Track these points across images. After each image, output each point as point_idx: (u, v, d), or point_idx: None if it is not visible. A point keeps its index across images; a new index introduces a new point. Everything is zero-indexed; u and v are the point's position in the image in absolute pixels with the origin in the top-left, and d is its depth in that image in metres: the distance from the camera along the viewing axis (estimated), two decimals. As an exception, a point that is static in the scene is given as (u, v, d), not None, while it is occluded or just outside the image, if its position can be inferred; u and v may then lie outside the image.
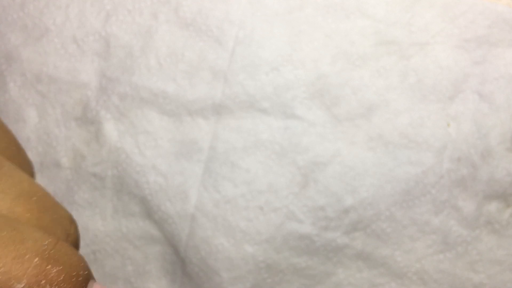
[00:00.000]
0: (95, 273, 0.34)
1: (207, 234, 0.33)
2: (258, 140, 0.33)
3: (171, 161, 0.33)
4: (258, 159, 0.33)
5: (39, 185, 0.20)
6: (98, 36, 0.34)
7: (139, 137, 0.33)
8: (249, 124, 0.33)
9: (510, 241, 0.32)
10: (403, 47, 0.33)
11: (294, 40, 0.33)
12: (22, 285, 0.16)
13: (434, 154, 0.32)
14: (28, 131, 0.34)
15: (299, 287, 0.32)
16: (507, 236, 0.32)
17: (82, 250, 0.34)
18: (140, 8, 0.34)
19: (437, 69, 0.32)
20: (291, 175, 0.32)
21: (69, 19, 0.35)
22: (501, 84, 0.32)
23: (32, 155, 0.34)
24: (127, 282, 0.33)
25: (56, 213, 0.20)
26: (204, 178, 0.33)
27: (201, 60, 0.33)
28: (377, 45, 0.33)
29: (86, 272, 0.18)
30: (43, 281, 0.16)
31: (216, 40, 0.33)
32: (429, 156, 0.32)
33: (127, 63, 0.34)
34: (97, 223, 0.34)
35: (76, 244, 0.20)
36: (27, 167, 0.22)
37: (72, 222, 0.20)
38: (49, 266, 0.17)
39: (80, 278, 0.18)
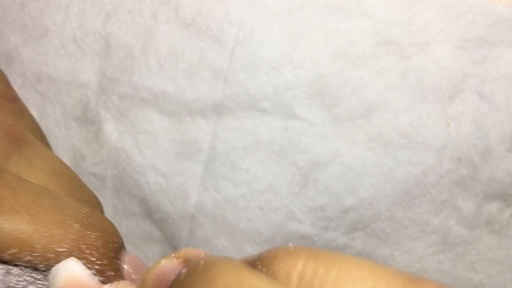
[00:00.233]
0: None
1: (207, 234, 0.33)
2: (258, 140, 0.33)
3: (171, 161, 0.33)
4: (258, 159, 0.33)
5: (68, 166, 0.20)
6: (98, 36, 0.34)
7: (139, 137, 0.33)
8: (249, 124, 0.33)
9: (510, 241, 0.32)
10: (403, 47, 0.33)
11: (294, 40, 0.33)
12: (64, 249, 0.17)
13: (434, 154, 0.32)
14: (28, 131, 0.34)
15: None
16: (507, 236, 0.32)
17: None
18: (140, 8, 0.34)
19: (437, 69, 0.32)
20: (291, 175, 0.32)
21: (69, 19, 0.35)
22: (501, 84, 0.32)
23: (32, 155, 0.34)
24: (127, 282, 0.33)
25: (85, 193, 0.20)
26: (204, 178, 0.33)
27: (201, 60, 0.33)
28: (377, 45, 0.33)
29: (121, 241, 0.19)
30: (83, 246, 0.17)
31: (216, 40, 0.33)
32: (429, 156, 0.32)
33: (127, 63, 0.34)
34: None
35: None
36: (48, 147, 0.23)
37: (98, 203, 0.21)
38: (89, 232, 0.17)
39: (116, 245, 0.18)
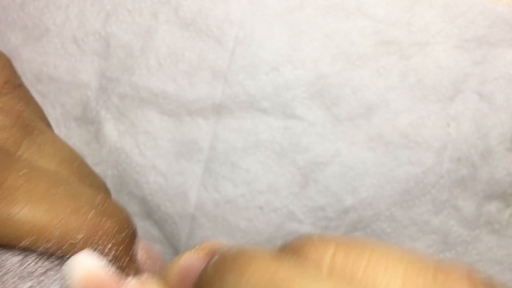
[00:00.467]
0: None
1: (207, 234, 0.33)
2: (258, 140, 0.33)
3: (171, 161, 0.33)
4: (258, 159, 0.33)
5: (78, 153, 0.20)
6: (98, 36, 0.34)
7: (139, 137, 0.33)
8: (249, 124, 0.33)
9: (510, 241, 0.32)
10: (403, 47, 0.33)
11: (294, 40, 0.33)
12: (80, 237, 0.17)
13: (434, 154, 0.32)
14: (28, 131, 0.34)
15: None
16: (507, 236, 0.32)
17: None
18: (140, 8, 0.34)
19: (437, 69, 0.32)
20: (291, 175, 0.32)
21: (69, 19, 0.35)
22: (501, 84, 0.32)
23: (32, 155, 0.34)
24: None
25: (94, 179, 0.20)
26: (204, 178, 0.33)
27: (201, 60, 0.33)
28: (377, 45, 0.33)
29: (135, 227, 0.19)
30: (100, 232, 0.17)
31: (216, 40, 0.33)
32: (429, 156, 0.32)
33: (127, 63, 0.34)
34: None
35: None
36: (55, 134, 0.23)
37: (108, 190, 0.21)
38: (104, 219, 0.17)
39: (131, 232, 0.18)
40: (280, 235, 0.32)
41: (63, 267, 0.16)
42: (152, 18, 0.34)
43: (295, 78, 0.33)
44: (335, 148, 0.32)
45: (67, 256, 0.16)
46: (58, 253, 0.16)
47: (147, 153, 0.33)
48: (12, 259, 0.16)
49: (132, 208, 0.33)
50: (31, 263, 0.16)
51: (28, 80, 0.34)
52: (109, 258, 0.17)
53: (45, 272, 0.16)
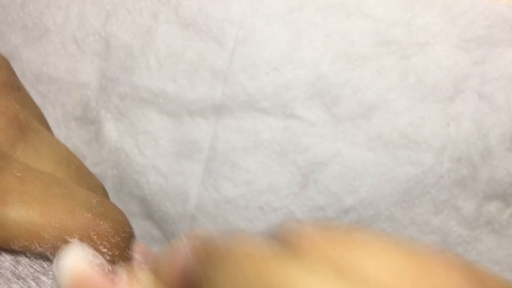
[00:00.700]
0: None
1: (207, 234, 0.33)
2: (258, 140, 0.33)
3: (171, 161, 0.33)
4: (258, 159, 0.33)
5: (74, 154, 0.20)
6: (98, 36, 0.34)
7: (139, 137, 0.33)
8: (249, 124, 0.33)
9: (509, 241, 0.32)
10: (403, 47, 0.33)
11: (294, 40, 0.33)
12: (75, 238, 0.16)
13: (434, 154, 0.32)
14: (28, 131, 0.34)
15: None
16: (507, 236, 0.32)
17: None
18: (140, 8, 0.34)
19: (437, 69, 0.32)
20: (291, 175, 0.32)
21: (69, 19, 0.35)
22: (501, 84, 0.32)
23: (32, 155, 0.34)
24: (127, 282, 0.33)
25: (92, 181, 0.20)
26: (204, 178, 0.33)
27: (201, 60, 0.33)
28: (377, 45, 0.33)
29: (131, 230, 0.19)
30: (95, 236, 0.17)
31: (216, 40, 0.33)
32: (429, 156, 0.32)
33: (127, 63, 0.34)
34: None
35: None
36: (53, 135, 0.23)
37: (105, 192, 0.21)
38: (100, 221, 0.17)
39: (127, 235, 0.18)
40: (280, 235, 0.32)
41: (54, 265, 0.16)
42: (152, 18, 0.34)
43: (295, 78, 0.33)
44: (335, 148, 0.32)
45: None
46: (51, 257, 0.16)
47: (147, 153, 0.33)
48: (5, 260, 0.16)
49: (132, 208, 0.33)
50: (23, 266, 0.16)
51: (28, 80, 0.34)
52: (103, 260, 0.17)
53: (39, 273, 0.16)
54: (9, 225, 0.16)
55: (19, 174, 0.17)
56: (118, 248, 0.18)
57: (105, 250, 0.17)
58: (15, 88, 0.21)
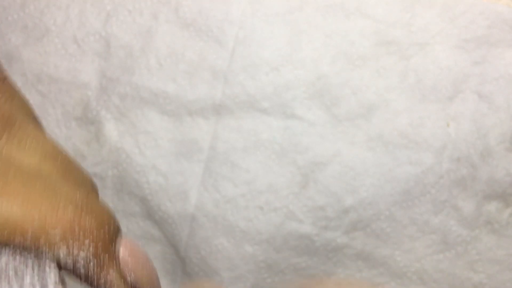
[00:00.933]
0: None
1: (207, 234, 0.33)
2: (258, 140, 0.33)
3: (171, 161, 0.33)
4: (258, 159, 0.33)
5: (61, 147, 0.20)
6: (98, 36, 0.34)
7: (139, 137, 0.33)
8: (249, 124, 0.33)
9: (509, 241, 0.32)
10: (403, 47, 0.33)
11: (294, 40, 0.33)
12: (57, 232, 0.16)
13: (434, 154, 0.32)
14: (29, 131, 0.34)
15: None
16: (506, 236, 0.32)
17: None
18: (140, 9, 0.34)
19: (436, 69, 0.32)
20: (291, 175, 0.32)
21: (69, 19, 0.35)
22: (501, 84, 0.32)
23: (32, 155, 0.34)
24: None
25: (79, 175, 0.20)
26: (204, 178, 0.33)
27: (201, 60, 0.33)
28: (377, 45, 0.33)
29: (117, 225, 0.18)
30: (77, 229, 0.17)
31: (216, 40, 0.33)
32: (428, 156, 0.32)
33: (127, 63, 0.34)
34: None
35: None
36: (42, 128, 0.22)
37: (94, 185, 0.21)
38: (83, 215, 0.17)
39: (111, 228, 0.18)
40: (280, 235, 0.32)
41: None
42: (152, 18, 0.34)
43: (295, 78, 0.33)
44: (335, 148, 0.32)
45: (43, 251, 0.16)
46: (33, 249, 0.16)
47: (147, 153, 0.33)
48: None
49: (132, 208, 0.34)
50: (4, 257, 0.16)
51: (28, 80, 0.34)
52: (87, 254, 0.17)
53: (21, 264, 0.16)
54: None
55: (1, 167, 0.17)
56: (101, 241, 0.17)
57: (87, 243, 0.17)
58: (1, 79, 0.20)
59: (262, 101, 0.33)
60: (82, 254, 0.17)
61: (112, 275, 0.18)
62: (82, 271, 0.17)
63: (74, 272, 0.17)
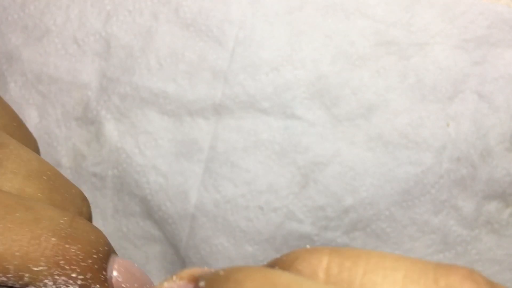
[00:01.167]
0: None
1: (207, 234, 0.33)
2: (258, 140, 0.33)
3: (171, 161, 0.33)
4: (258, 159, 0.33)
5: (47, 163, 0.19)
6: (98, 37, 0.34)
7: (139, 137, 0.33)
8: (249, 124, 0.33)
9: (509, 241, 0.32)
10: (402, 47, 0.33)
11: (294, 40, 0.33)
12: (41, 268, 0.15)
13: (434, 154, 0.32)
14: (29, 131, 0.34)
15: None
16: (506, 236, 0.32)
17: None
18: (140, 9, 0.34)
19: (436, 69, 0.32)
20: (291, 175, 0.33)
21: (69, 19, 0.35)
22: (501, 84, 0.32)
23: (32, 155, 0.34)
24: (127, 282, 0.33)
25: (67, 191, 0.19)
26: (204, 178, 0.33)
27: (201, 60, 0.33)
28: (377, 45, 0.33)
29: (106, 248, 0.17)
30: (62, 262, 0.16)
31: (216, 40, 0.33)
32: (428, 156, 0.32)
33: (127, 63, 0.34)
34: (97, 223, 0.34)
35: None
36: (30, 144, 0.21)
37: (84, 199, 0.20)
38: (67, 245, 0.16)
39: (101, 255, 0.17)
40: (280, 235, 0.32)
41: None
42: (153, 18, 0.34)
43: (295, 78, 0.33)
44: (335, 148, 0.32)
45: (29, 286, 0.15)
46: (17, 286, 0.15)
47: (147, 153, 0.33)
48: None
49: (132, 208, 0.34)
50: None
51: (28, 80, 0.35)
52: (76, 287, 0.16)
53: None
54: None
55: None
56: (90, 271, 0.16)
57: (74, 275, 0.16)
58: None
59: (262, 101, 0.33)
60: (70, 287, 0.16)
61: None
62: None
63: None
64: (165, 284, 0.15)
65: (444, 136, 0.32)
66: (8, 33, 0.35)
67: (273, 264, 0.14)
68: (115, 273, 0.17)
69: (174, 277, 0.15)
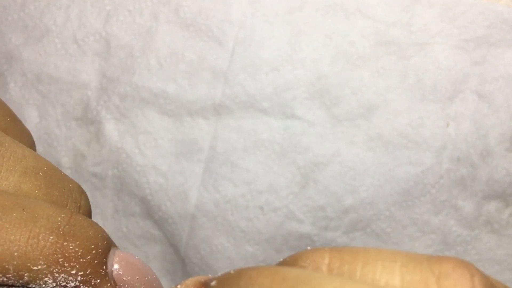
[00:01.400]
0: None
1: (207, 234, 0.33)
2: (258, 140, 0.33)
3: (171, 161, 0.33)
4: (258, 159, 0.33)
5: (43, 158, 0.19)
6: (98, 37, 0.34)
7: (139, 137, 0.33)
8: (249, 124, 0.33)
9: (509, 241, 0.32)
10: (402, 47, 0.33)
11: (294, 40, 0.33)
12: (40, 267, 0.15)
13: (434, 154, 0.32)
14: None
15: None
16: (506, 236, 0.32)
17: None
18: (140, 9, 0.34)
19: (436, 69, 0.32)
20: (291, 175, 0.33)
21: (69, 19, 0.35)
22: (501, 84, 0.32)
23: (32, 155, 0.34)
24: (127, 282, 0.33)
25: (65, 185, 0.19)
26: (204, 178, 0.33)
27: (201, 60, 0.33)
28: (377, 45, 0.33)
29: (105, 243, 0.17)
30: (61, 259, 0.16)
31: (216, 40, 0.33)
32: (428, 156, 0.32)
33: (127, 63, 0.34)
34: (97, 223, 0.34)
35: (88, 215, 0.20)
36: (26, 139, 0.21)
37: (82, 193, 0.19)
38: (66, 243, 0.16)
39: (100, 250, 0.17)
40: (280, 235, 0.32)
41: None
42: (153, 18, 0.34)
43: (295, 78, 0.33)
44: (335, 148, 0.32)
45: (28, 287, 0.15)
46: (18, 285, 0.15)
47: (147, 153, 0.33)
48: None
49: (133, 208, 0.34)
50: None
51: (28, 80, 0.35)
52: (76, 283, 0.16)
53: None
54: None
55: None
56: (90, 266, 0.16)
57: (74, 272, 0.16)
58: None
59: (262, 101, 0.33)
60: (71, 284, 0.16)
61: None
62: None
63: None
64: None
65: (444, 136, 0.32)
66: (8, 33, 0.35)
67: (279, 265, 0.15)
68: (116, 266, 0.17)
69: (179, 286, 0.15)
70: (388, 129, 0.32)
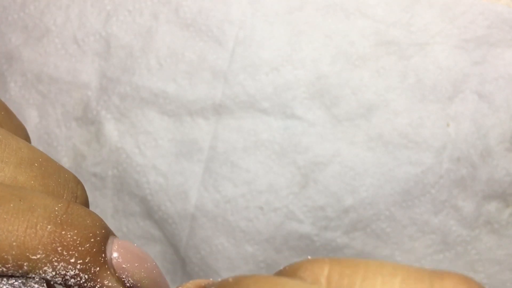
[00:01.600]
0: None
1: (207, 234, 0.33)
2: (258, 140, 0.33)
3: (171, 161, 0.33)
4: (258, 159, 0.33)
5: (38, 149, 0.19)
6: (98, 37, 0.34)
7: (139, 137, 0.33)
8: (249, 124, 0.33)
9: (509, 241, 0.32)
10: (402, 47, 0.33)
11: (294, 40, 0.33)
12: (39, 256, 0.15)
13: (434, 154, 0.32)
14: (29, 131, 0.34)
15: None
16: (506, 236, 0.32)
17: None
18: (140, 9, 0.34)
19: (436, 69, 0.32)
20: (291, 175, 0.33)
21: (69, 19, 0.35)
22: (501, 84, 0.32)
23: (32, 155, 0.34)
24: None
25: (61, 176, 0.19)
26: (204, 178, 0.33)
27: (201, 60, 0.33)
28: (377, 45, 0.33)
29: (104, 231, 0.17)
30: (60, 248, 0.16)
31: (216, 40, 0.33)
32: (428, 156, 0.32)
33: (127, 63, 0.34)
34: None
35: (85, 205, 0.20)
36: (20, 132, 0.21)
37: (78, 183, 0.19)
38: (64, 232, 0.16)
39: (98, 238, 0.17)
40: (280, 235, 0.32)
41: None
42: (153, 18, 0.34)
43: (295, 78, 0.33)
44: (335, 148, 0.32)
45: (28, 276, 0.15)
46: (18, 274, 0.15)
47: (147, 153, 0.33)
48: None
49: (133, 208, 0.34)
50: None
51: (28, 80, 0.35)
52: (76, 272, 0.16)
53: None
54: None
55: None
56: (89, 254, 0.16)
57: (73, 260, 0.16)
58: None
59: (262, 101, 0.33)
60: (70, 272, 0.16)
61: (107, 285, 0.17)
62: (75, 287, 0.16)
63: (66, 287, 0.16)
64: None
65: (444, 136, 0.32)
66: (8, 33, 0.35)
67: (277, 275, 0.15)
68: (115, 254, 0.17)
69: (181, 286, 0.15)
70: (388, 129, 0.32)
